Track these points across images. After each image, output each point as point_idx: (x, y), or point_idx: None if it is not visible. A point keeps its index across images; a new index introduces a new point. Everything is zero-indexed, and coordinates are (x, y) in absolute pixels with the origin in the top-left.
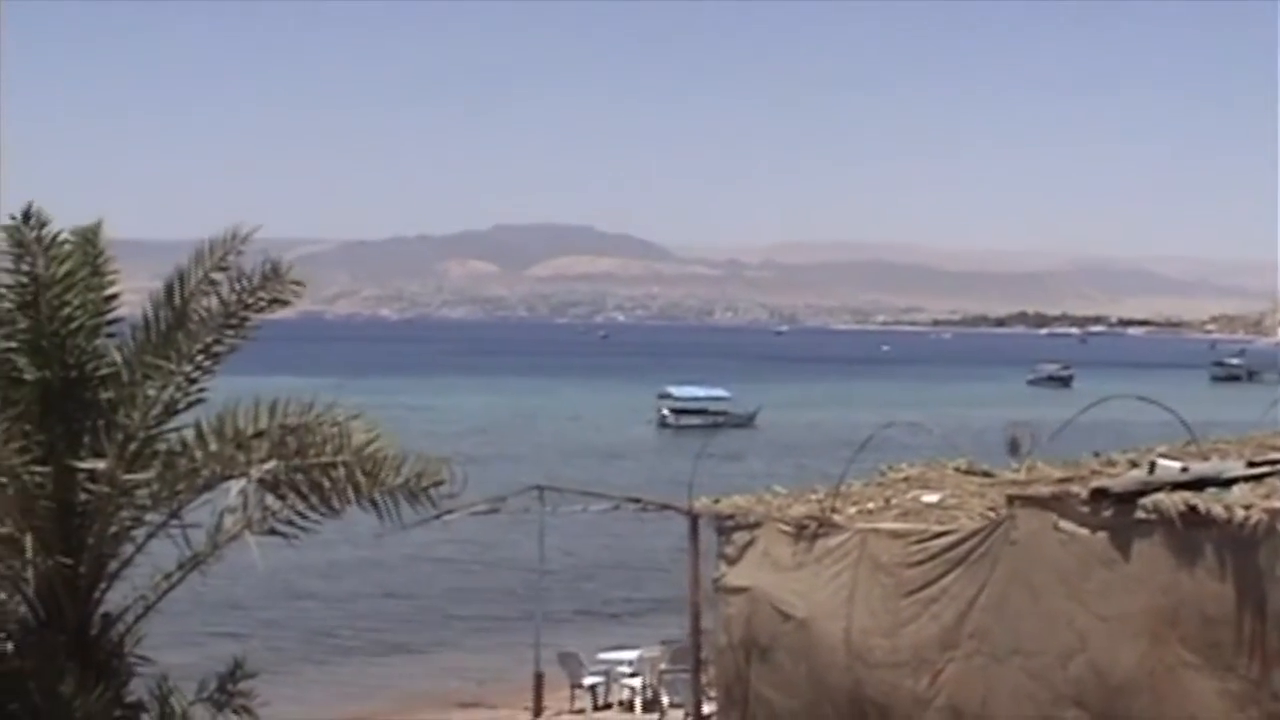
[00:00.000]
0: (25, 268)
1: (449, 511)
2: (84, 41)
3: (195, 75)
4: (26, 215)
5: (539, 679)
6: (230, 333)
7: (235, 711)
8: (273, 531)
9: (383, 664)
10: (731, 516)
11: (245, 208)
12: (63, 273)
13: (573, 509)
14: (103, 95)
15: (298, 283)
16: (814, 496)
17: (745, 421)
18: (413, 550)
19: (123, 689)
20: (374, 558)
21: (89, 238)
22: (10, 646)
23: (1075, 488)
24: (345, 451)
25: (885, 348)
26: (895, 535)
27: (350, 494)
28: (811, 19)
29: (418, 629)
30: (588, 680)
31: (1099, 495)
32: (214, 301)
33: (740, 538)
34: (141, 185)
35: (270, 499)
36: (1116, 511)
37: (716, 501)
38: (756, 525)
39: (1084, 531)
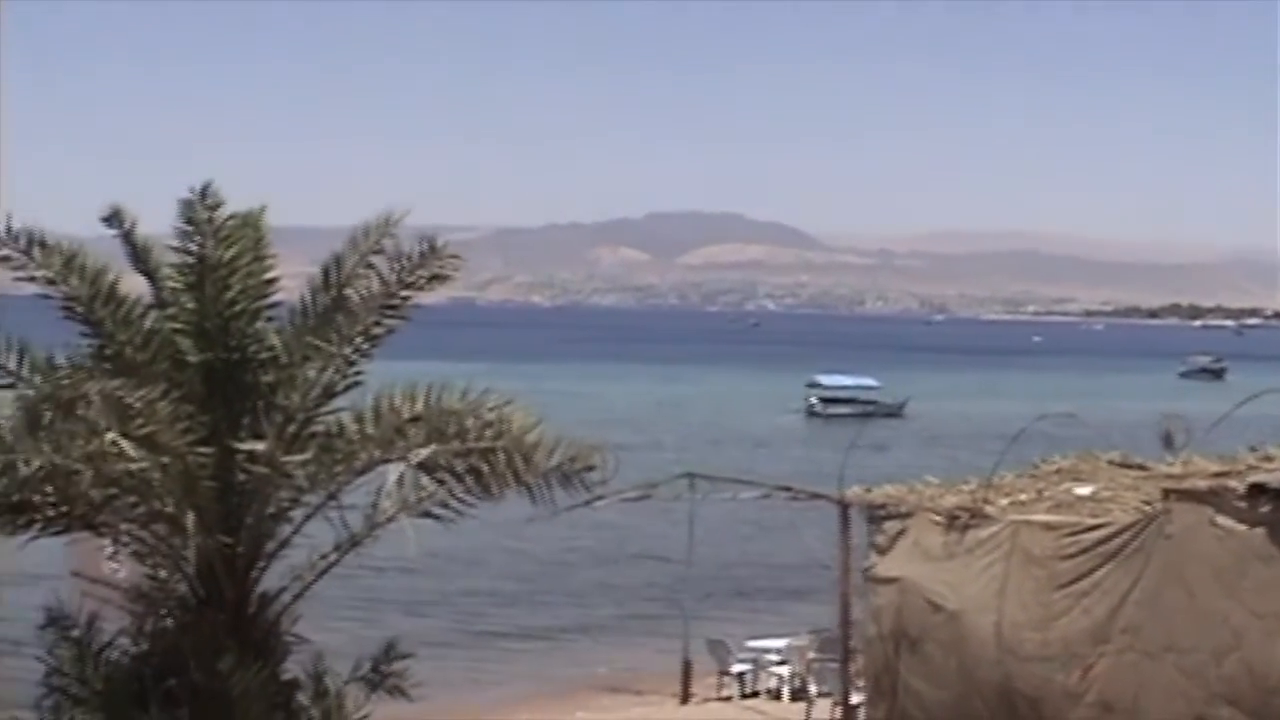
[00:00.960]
0: (193, 248)
1: (600, 498)
2: (244, 31)
3: (352, 65)
4: (203, 193)
5: (687, 666)
6: (388, 314)
7: (388, 692)
8: (428, 515)
9: (530, 650)
10: (883, 506)
11: (400, 195)
12: (229, 255)
13: (723, 497)
14: (261, 85)
15: (455, 257)
16: (966, 487)
17: (894, 411)
18: (556, 539)
19: (278, 667)
20: (519, 546)
21: (252, 221)
22: (170, 624)
23: (1232, 482)
24: (503, 437)
25: (1036, 338)
26: (1048, 528)
27: (507, 478)
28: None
29: (565, 616)
30: (736, 668)
31: (1257, 490)
32: (373, 283)
33: (891, 527)
34: (297, 173)
35: (426, 482)
36: (1275, 507)
37: (868, 491)
38: (908, 515)
39: (1241, 527)
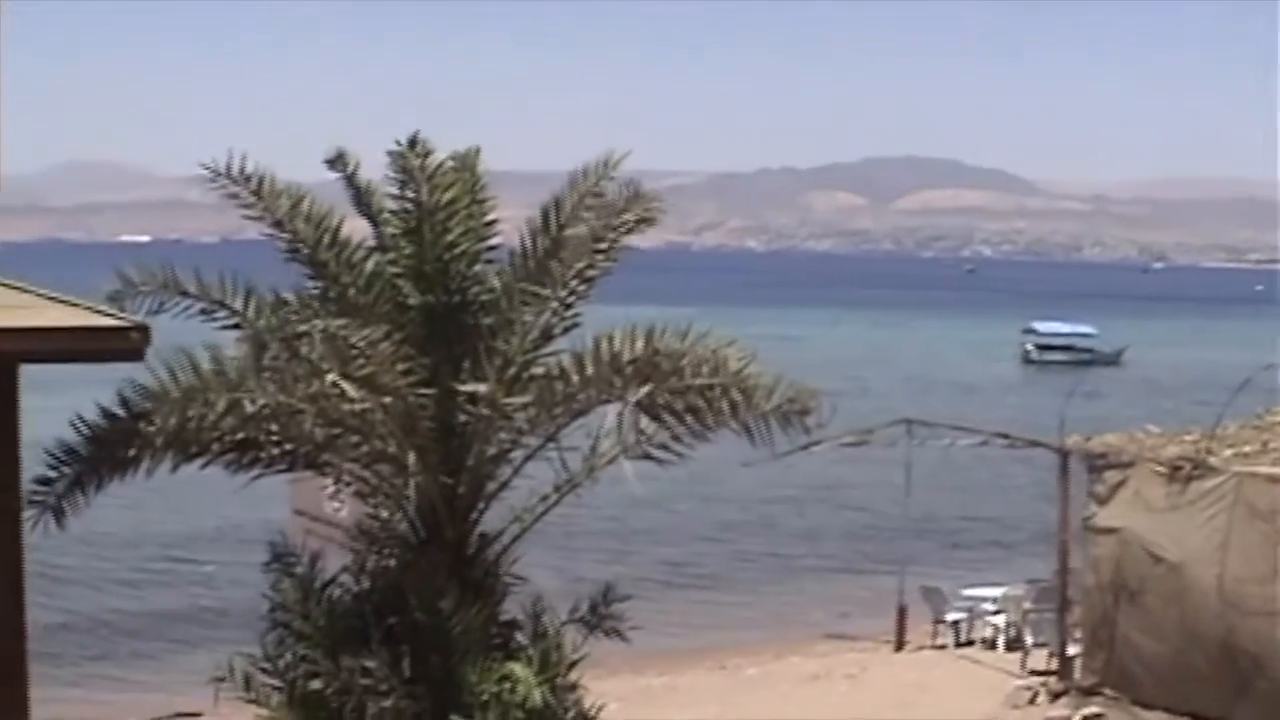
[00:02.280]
0: (410, 194)
1: (817, 442)
2: None
3: (573, 12)
4: (412, 142)
5: (902, 613)
6: (600, 258)
7: (605, 634)
8: (647, 456)
9: (746, 594)
10: (1104, 455)
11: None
12: (446, 200)
13: (940, 443)
14: (481, 32)
15: (658, 201)
16: (1188, 438)
17: (1111, 360)
18: (763, 485)
19: (498, 607)
20: (724, 492)
21: (468, 164)
22: (392, 563)
23: None
24: (720, 376)
25: (1259, 287)
26: (1273, 480)
27: (725, 419)
28: None
29: (776, 562)
30: (950, 616)
31: None
32: (585, 227)
33: (1111, 477)
34: (512, 117)
35: (645, 423)
36: None
37: (1087, 440)
38: (1129, 465)
39: None
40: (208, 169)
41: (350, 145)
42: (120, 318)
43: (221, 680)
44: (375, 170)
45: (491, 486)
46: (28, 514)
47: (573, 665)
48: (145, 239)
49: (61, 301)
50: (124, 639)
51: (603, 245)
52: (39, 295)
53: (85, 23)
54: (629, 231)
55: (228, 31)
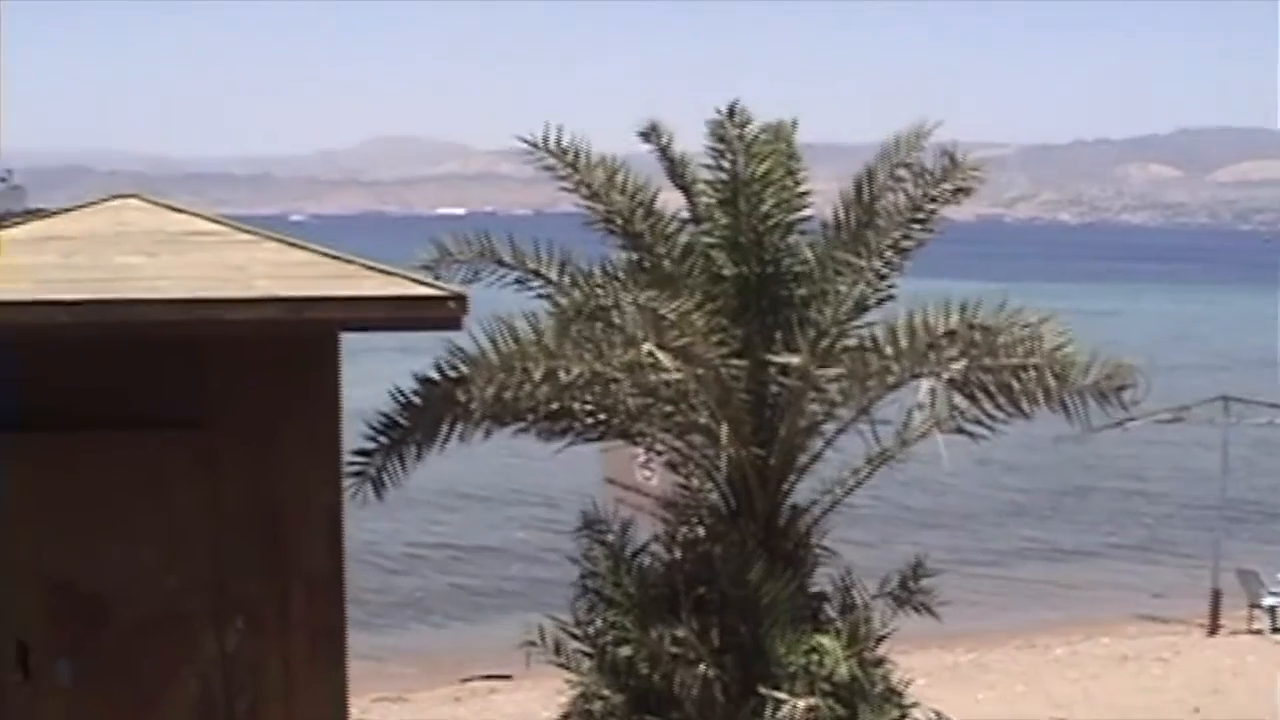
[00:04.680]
0: (725, 164)
1: (1131, 419)
2: None
3: None
4: (731, 111)
5: (1216, 596)
6: (917, 228)
7: (915, 609)
8: (960, 431)
9: (1053, 573)
10: None
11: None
12: (761, 171)
13: (1258, 421)
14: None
15: (976, 170)
16: None
17: None
18: (1064, 463)
19: (807, 579)
20: (1024, 469)
21: (783, 135)
22: (702, 533)
23: None
24: (1036, 353)
25: None
26: None
27: (1038, 395)
28: None
29: (1085, 539)
30: (1267, 601)
31: None
32: (900, 197)
33: None
34: (822, 90)
35: (958, 398)
36: None
37: None
38: None
39: None
40: (525, 141)
41: (661, 117)
42: (438, 287)
43: (532, 645)
44: (684, 143)
45: (803, 459)
46: (347, 484)
47: (881, 639)
48: (460, 211)
49: (381, 271)
50: (434, 602)
51: (920, 215)
52: (359, 265)
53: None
54: (946, 202)
55: (538, 8)
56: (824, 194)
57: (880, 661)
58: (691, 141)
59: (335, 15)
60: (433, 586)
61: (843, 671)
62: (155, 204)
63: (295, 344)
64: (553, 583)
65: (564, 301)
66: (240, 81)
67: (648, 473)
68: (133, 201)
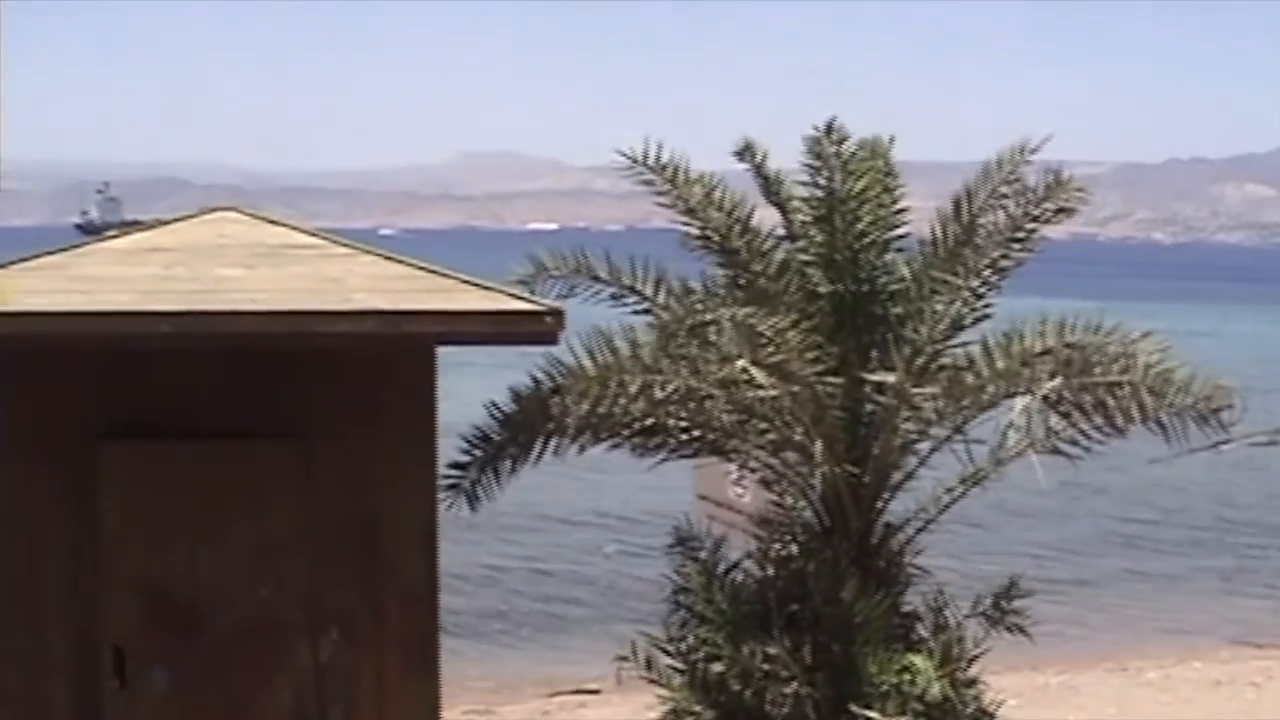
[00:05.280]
0: (821, 181)
1: (1226, 441)
2: None
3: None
4: (828, 128)
5: None
6: (1015, 247)
7: (1008, 630)
8: (1056, 451)
9: (1144, 597)
10: None
11: (1022, 131)
12: (858, 188)
13: None
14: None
15: (1080, 190)
16: None
17: None
18: (1152, 486)
19: (899, 598)
20: (1113, 490)
21: (880, 152)
22: (795, 550)
23: None
24: (1132, 370)
25: None
26: None
27: (1135, 414)
28: None
29: (1175, 563)
30: None
31: None
32: (1000, 216)
33: None
34: (917, 107)
35: (1053, 418)
36: None
37: None
38: None
39: None
40: (625, 156)
41: (754, 134)
42: (535, 302)
43: (624, 659)
44: (777, 160)
45: (897, 477)
46: (441, 497)
47: (973, 660)
48: (553, 226)
49: (478, 285)
50: (524, 615)
51: (1019, 234)
52: (456, 279)
53: (487, 23)
54: (1047, 221)
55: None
56: (920, 211)
57: (972, 682)
58: (786, 159)
59: (426, 31)
60: (517, 601)
61: (935, 691)
62: (254, 217)
63: (392, 357)
64: (645, 597)
65: (663, 318)
66: (334, 96)
67: (740, 489)
68: (231, 214)
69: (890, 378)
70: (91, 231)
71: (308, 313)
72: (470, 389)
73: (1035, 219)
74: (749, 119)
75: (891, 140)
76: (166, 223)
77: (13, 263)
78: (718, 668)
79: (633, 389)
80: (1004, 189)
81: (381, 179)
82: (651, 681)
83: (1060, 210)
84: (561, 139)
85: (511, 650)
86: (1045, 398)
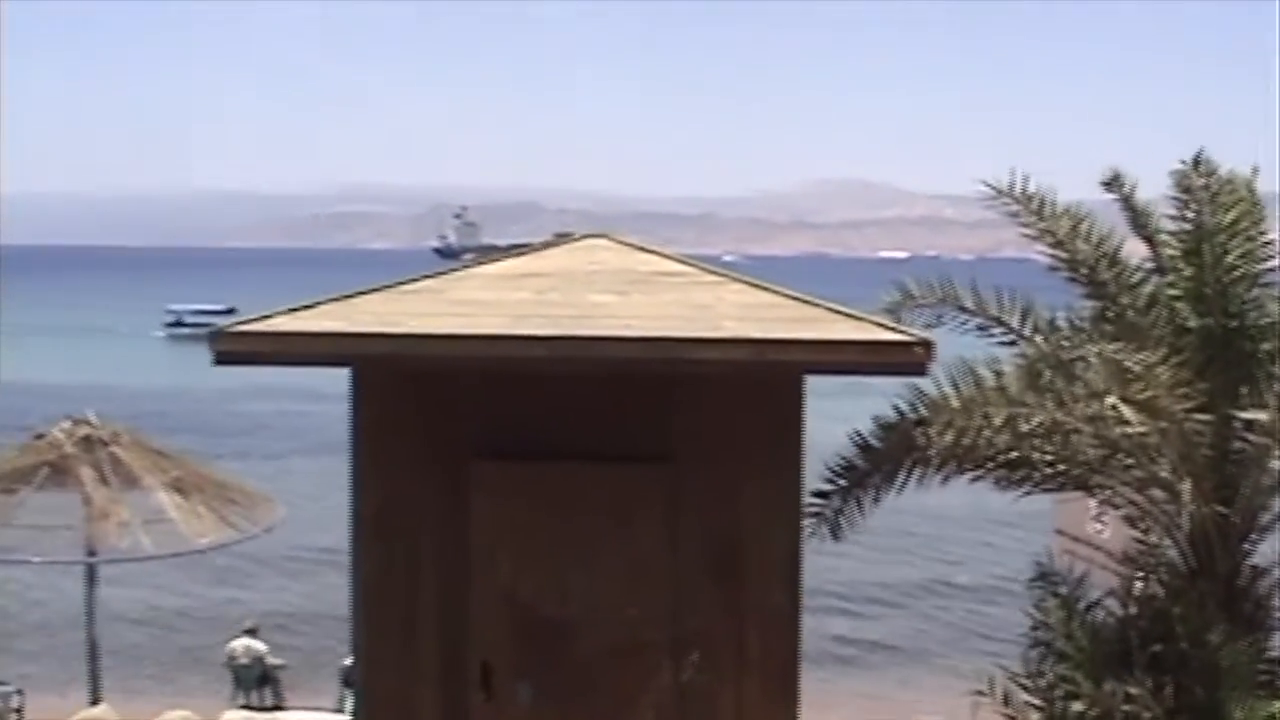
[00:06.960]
0: (1190, 214)
1: None
2: None
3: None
4: (1196, 161)
5: None
6: None
7: None
8: None
9: None
10: None
11: None
12: (1227, 220)
13: None
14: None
15: None
16: None
17: None
18: None
19: (1265, 642)
20: None
21: (1246, 185)
22: (1160, 590)
23: None
24: None
25: None
26: None
27: None
28: None
29: None
30: None
31: None
32: None
33: None
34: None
35: None
36: None
37: None
38: None
39: None
40: (989, 186)
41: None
42: (905, 332)
43: (981, 694)
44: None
45: (1266, 517)
46: (805, 524)
47: None
48: (903, 255)
49: (846, 315)
50: (878, 650)
51: None
52: (825, 308)
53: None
54: None
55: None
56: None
57: None
58: (1152, 189)
59: (769, 59)
60: (867, 628)
61: None
62: (624, 244)
63: (761, 384)
64: (1002, 632)
65: (1030, 351)
66: (683, 122)
67: (1100, 525)
68: (602, 241)
69: (1261, 415)
70: (449, 255)
71: (679, 340)
72: (824, 413)
73: None
74: (1087, 148)
75: (1255, 172)
76: (532, 248)
77: (390, 285)
78: (1078, 706)
79: (997, 420)
80: None
81: (732, 205)
82: (1009, 717)
83: None
84: (907, 167)
85: (867, 675)
86: None
